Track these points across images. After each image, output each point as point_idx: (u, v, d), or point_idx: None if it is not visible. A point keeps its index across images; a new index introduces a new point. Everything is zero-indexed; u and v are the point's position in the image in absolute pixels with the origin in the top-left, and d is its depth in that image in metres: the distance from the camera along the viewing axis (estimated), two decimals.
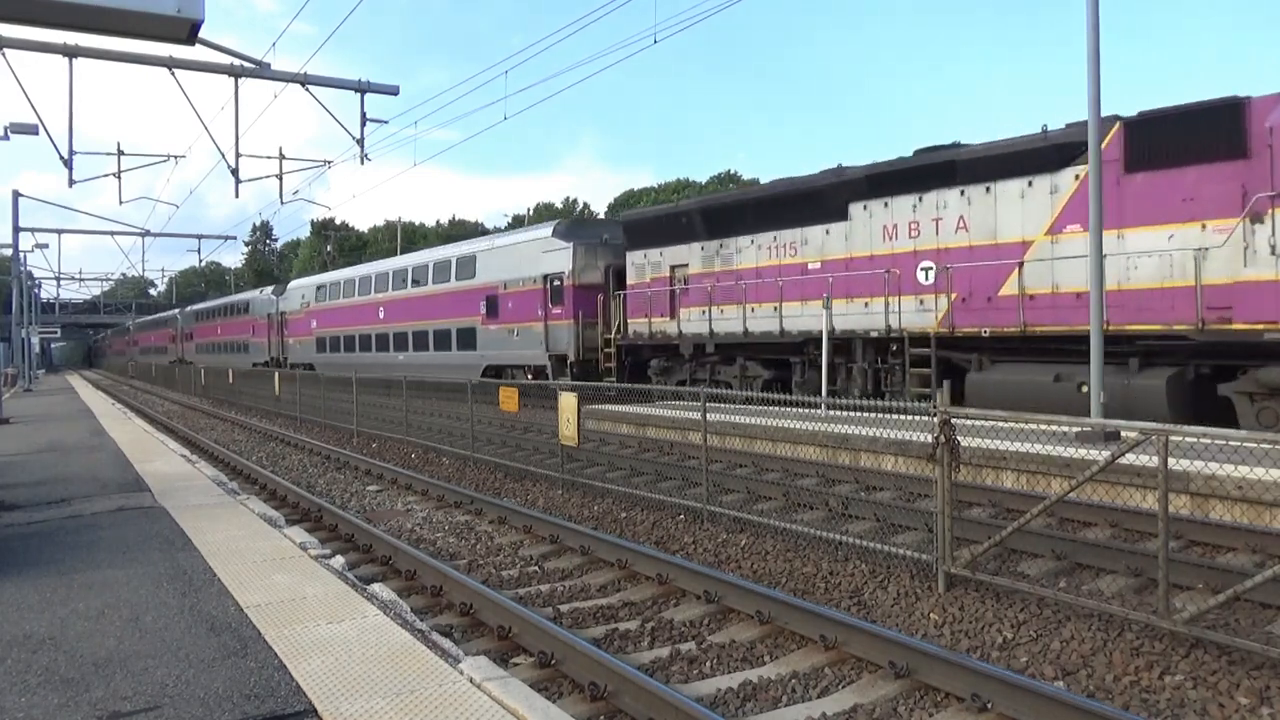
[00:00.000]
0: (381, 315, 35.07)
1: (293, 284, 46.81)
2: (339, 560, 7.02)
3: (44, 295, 66.96)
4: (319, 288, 41.32)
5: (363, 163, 17.74)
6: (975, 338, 15.23)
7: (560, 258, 25.24)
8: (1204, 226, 12.59)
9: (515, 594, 7.22)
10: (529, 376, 25.67)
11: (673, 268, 22.40)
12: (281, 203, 22.03)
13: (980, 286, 15.32)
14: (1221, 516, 8.47)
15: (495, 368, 27.89)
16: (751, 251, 19.87)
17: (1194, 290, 12.43)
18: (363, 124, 17.01)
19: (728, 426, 13.34)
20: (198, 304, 66.27)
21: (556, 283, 25.22)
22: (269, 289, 49.13)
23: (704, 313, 20.77)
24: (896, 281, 16.57)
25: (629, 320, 23.31)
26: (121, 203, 43.01)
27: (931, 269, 16.06)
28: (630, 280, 23.67)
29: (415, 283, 32.91)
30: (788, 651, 5.88)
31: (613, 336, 23.59)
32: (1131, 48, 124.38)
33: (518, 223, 74.03)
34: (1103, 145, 12.10)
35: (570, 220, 34.58)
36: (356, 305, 37.19)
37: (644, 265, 23.32)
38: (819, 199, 18.14)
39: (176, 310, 69.58)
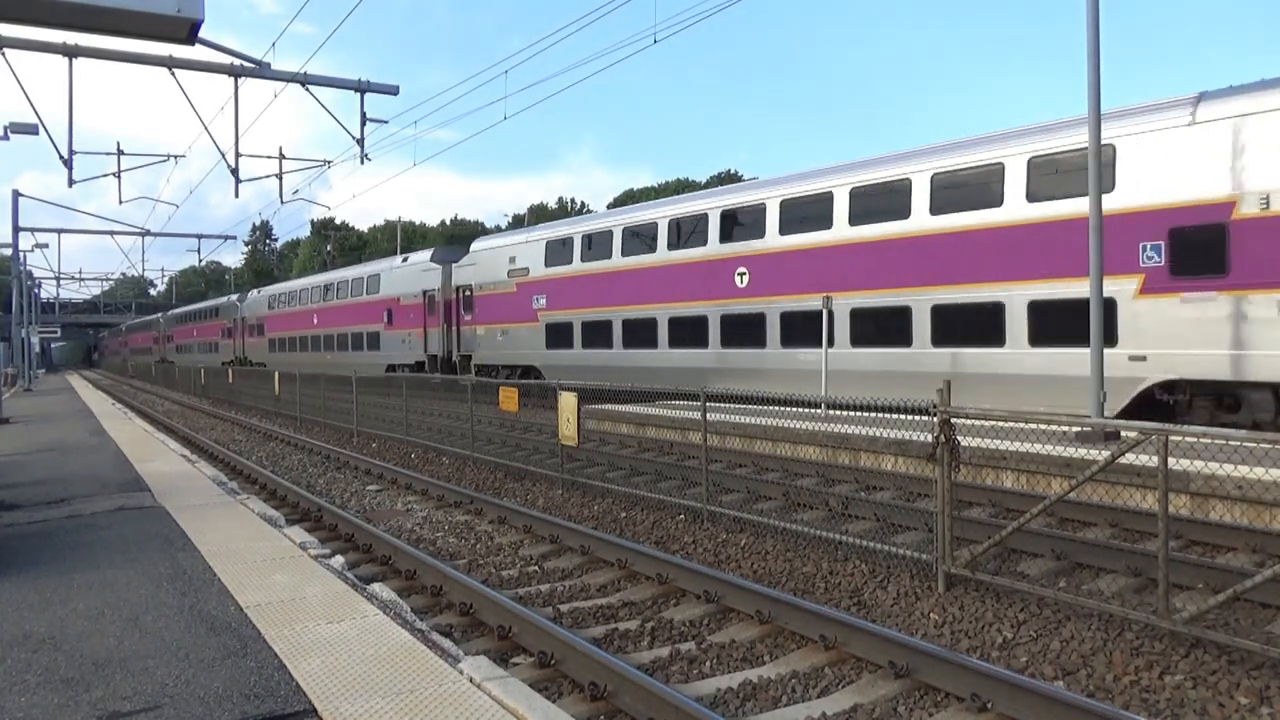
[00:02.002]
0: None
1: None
2: (339, 560, 7.02)
3: (44, 295, 67.09)
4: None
5: (362, 162, 17.77)
6: None
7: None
8: None
9: (515, 594, 7.22)
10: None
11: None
12: (281, 202, 22.07)
13: None
14: (1221, 516, 8.46)
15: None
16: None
17: None
18: (363, 124, 17.02)
19: (728, 426, 13.34)
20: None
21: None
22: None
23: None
24: None
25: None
26: (121, 202, 43.09)
27: None
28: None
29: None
30: (788, 651, 5.88)
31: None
32: (1132, 48, 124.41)
33: (518, 223, 74.09)
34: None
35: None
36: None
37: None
38: None
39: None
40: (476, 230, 79.05)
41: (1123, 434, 7.06)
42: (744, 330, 19.00)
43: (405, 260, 34.52)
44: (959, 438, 7.03)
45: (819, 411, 14.40)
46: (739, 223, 19.71)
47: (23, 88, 14.97)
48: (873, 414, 12.01)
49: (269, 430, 22.26)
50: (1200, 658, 5.43)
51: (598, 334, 23.34)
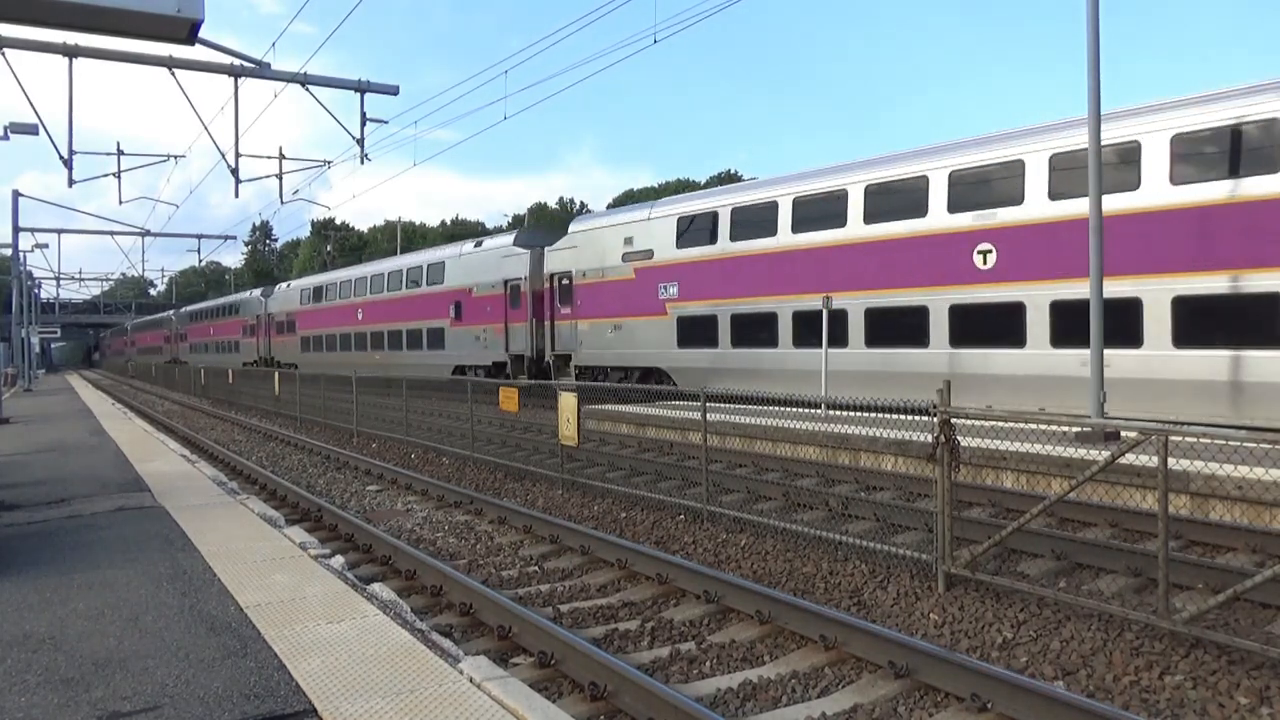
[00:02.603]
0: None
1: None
2: (339, 560, 7.02)
3: (44, 295, 67.13)
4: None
5: (362, 162, 17.77)
6: None
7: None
8: None
9: (515, 594, 7.22)
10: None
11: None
12: (281, 203, 22.06)
13: None
14: (1221, 516, 8.46)
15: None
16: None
17: None
18: (362, 124, 17.03)
19: (728, 426, 13.34)
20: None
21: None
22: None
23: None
24: None
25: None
26: (121, 202, 43.16)
27: None
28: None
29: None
30: (788, 651, 5.88)
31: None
32: (1131, 48, 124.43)
33: (518, 223, 74.12)
34: None
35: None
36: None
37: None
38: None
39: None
40: (477, 230, 78.96)
41: (1123, 434, 7.05)
42: (986, 323, 15.33)
43: (479, 245, 29.79)
44: (959, 438, 7.03)
45: (819, 412, 14.40)
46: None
47: (23, 88, 14.99)
48: (872, 414, 12.00)
49: (269, 430, 22.27)
50: (1200, 658, 5.43)
51: (753, 329, 19.19)
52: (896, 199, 16.56)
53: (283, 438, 20.61)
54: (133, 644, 4.80)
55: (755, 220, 19.12)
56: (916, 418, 8.23)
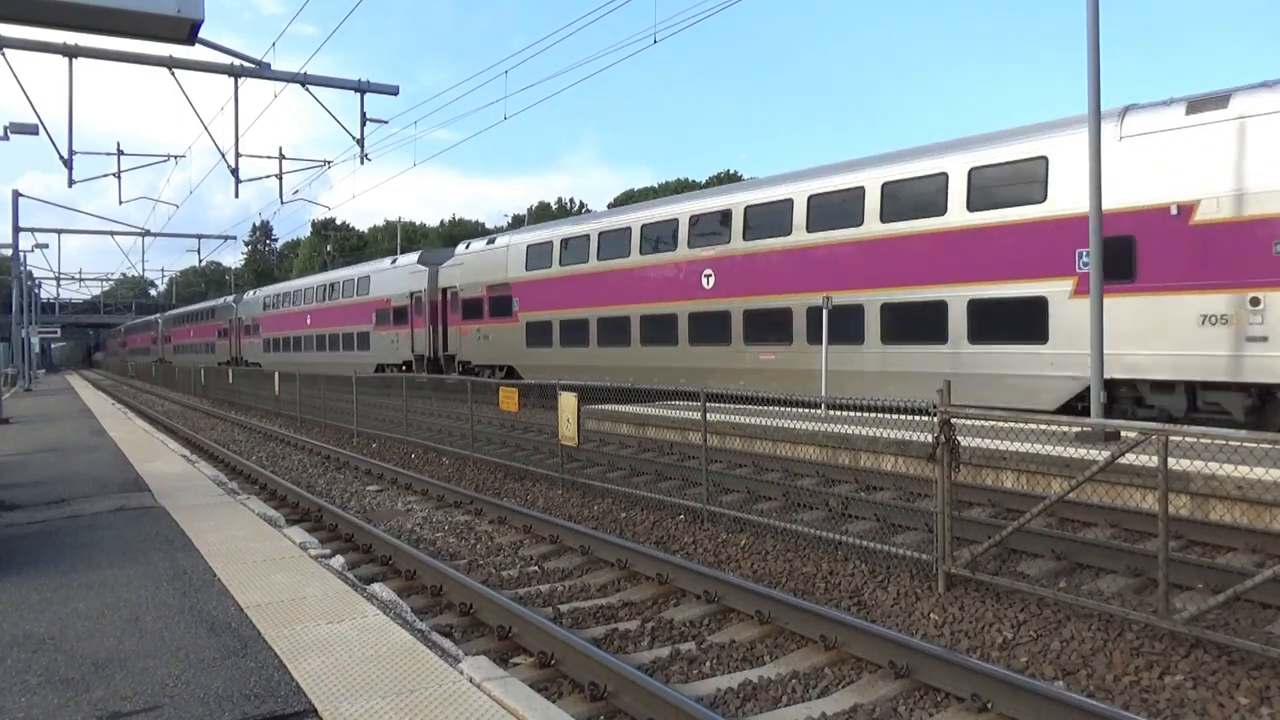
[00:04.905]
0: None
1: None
2: (339, 560, 7.02)
3: (44, 295, 67.16)
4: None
5: (362, 162, 17.77)
6: None
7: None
8: None
9: (515, 594, 7.22)
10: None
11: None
12: (282, 203, 22.07)
13: None
14: (1221, 516, 8.46)
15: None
16: None
17: None
18: (362, 124, 17.02)
19: (727, 426, 13.33)
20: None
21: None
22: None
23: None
24: None
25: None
26: (122, 203, 43.03)
27: None
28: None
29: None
30: (788, 651, 5.88)
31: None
32: (1131, 48, 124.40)
33: (518, 223, 74.08)
34: None
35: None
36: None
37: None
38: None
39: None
40: (476, 230, 79.08)
41: (1123, 434, 7.06)
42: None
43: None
44: (959, 438, 7.03)
45: (819, 412, 14.39)
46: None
47: (23, 88, 14.98)
48: (872, 414, 12.01)
49: (269, 430, 22.26)
50: (1200, 658, 5.43)
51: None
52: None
53: (283, 438, 20.61)
54: (133, 644, 4.80)
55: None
56: (917, 418, 8.24)
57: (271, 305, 47.16)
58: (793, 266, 18.05)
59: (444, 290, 30.24)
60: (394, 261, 35.28)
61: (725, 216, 19.70)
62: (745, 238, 19.10)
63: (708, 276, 19.89)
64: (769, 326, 18.49)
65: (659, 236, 21.51)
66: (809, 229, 17.89)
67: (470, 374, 27.35)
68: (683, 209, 21.12)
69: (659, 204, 23.32)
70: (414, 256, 34.18)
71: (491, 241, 28.78)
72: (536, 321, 25.45)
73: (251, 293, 53.93)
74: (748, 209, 19.17)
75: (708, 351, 19.90)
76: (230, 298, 57.52)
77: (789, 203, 18.25)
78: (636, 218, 22.66)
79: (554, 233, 25.87)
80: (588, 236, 23.92)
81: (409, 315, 32.21)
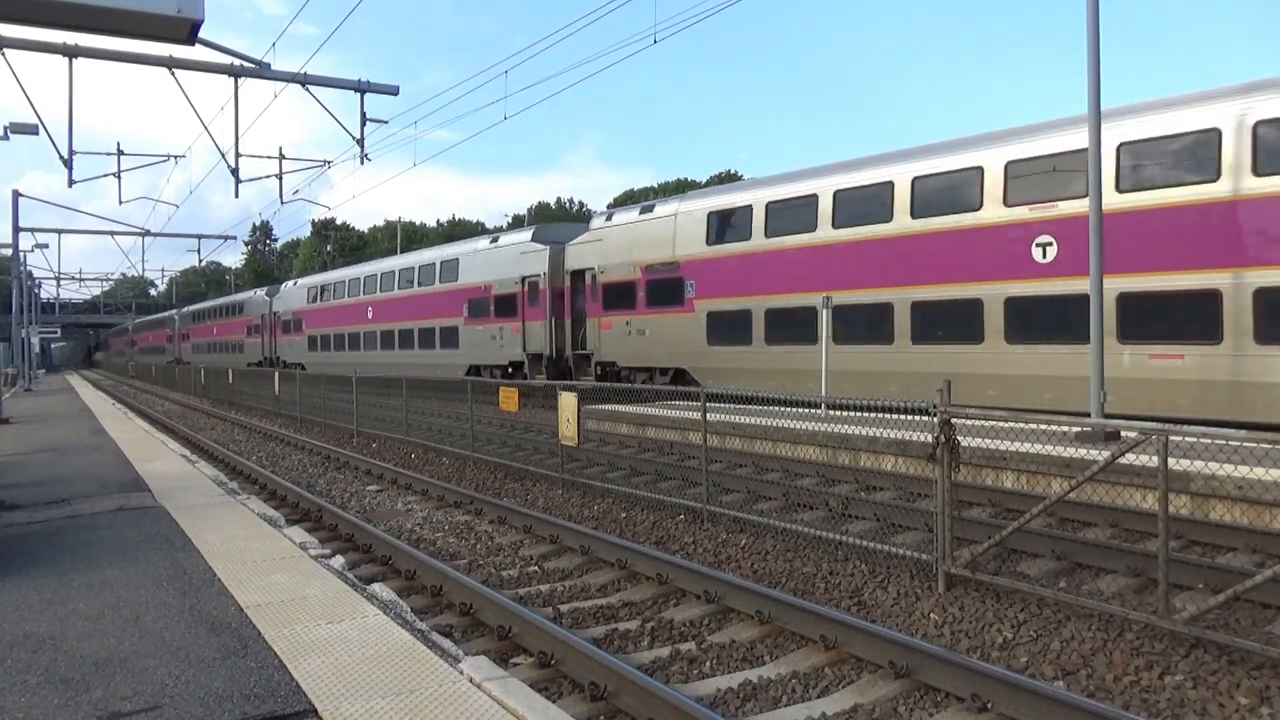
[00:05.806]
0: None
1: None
2: (339, 560, 7.02)
3: (44, 295, 67.14)
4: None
5: (363, 163, 17.77)
6: None
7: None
8: None
9: (515, 594, 7.22)
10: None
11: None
12: (282, 203, 22.06)
13: None
14: (1221, 516, 8.46)
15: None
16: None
17: None
18: (362, 124, 17.02)
19: (728, 426, 13.33)
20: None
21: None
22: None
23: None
24: None
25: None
26: (122, 203, 43.13)
27: None
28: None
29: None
30: (788, 651, 5.88)
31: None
32: (1131, 48, 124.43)
33: (518, 223, 74.08)
34: None
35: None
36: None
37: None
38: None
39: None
40: (476, 230, 78.93)
41: (1123, 434, 7.05)
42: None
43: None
44: (959, 438, 7.03)
45: (819, 412, 14.39)
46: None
47: (23, 88, 14.99)
48: (872, 414, 12.01)
49: (269, 430, 22.27)
50: (1200, 658, 5.43)
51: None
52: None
53: (283, 438, 20.61)
54: (133, 644, 4.80)
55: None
56: (917, 418, 8.23)
57: (319, 296, 40.41)
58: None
59: (572, 273, 24.26)
60: (494, 240, 28.95)
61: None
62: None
63: (1043, 248, 14.18)
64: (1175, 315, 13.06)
65: (948, 189, 15.47)
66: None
67: (615, 379, 22.28)
68: (991, 155, 14.93)
69: (936, 150, 16.27)
70: (526, 233, 27.95)
71: (648, 210, 22.57)
72: (723, 311, 19.41)
73: (291, 283, 47.73)
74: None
75: (1039, 354, 14.27)
76: (263, 290, 50.44)
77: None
78: (908, 169, 16.25)
79: (751, 195, 19.44)
80: (813, 197, 17.76)
81: (519, 305, 26.32)
